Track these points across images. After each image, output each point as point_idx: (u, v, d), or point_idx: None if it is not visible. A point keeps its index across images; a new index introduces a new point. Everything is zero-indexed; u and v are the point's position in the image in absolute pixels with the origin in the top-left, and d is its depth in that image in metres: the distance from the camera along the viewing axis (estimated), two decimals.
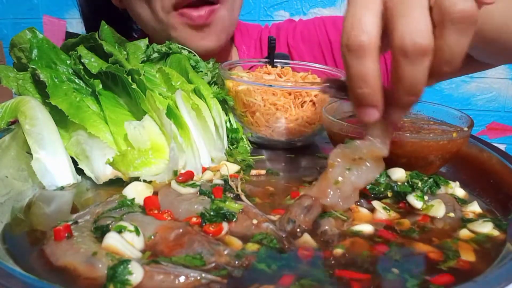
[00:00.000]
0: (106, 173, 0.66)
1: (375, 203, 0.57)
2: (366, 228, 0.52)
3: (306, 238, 0.50)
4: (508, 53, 0.81)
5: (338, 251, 0.47)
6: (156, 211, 0.53)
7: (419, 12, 0.44)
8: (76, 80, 0.74)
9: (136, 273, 0.40)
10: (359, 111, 0.50)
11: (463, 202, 0.59)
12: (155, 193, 0.59)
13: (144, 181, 0.62)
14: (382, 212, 0.55)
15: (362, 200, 0.58)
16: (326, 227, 0.51)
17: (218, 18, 0.98)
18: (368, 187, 0.59)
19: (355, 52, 0.46)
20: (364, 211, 0.56)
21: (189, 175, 0.62)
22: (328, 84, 0.59)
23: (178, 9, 0.94)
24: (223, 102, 0.81)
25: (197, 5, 0.94)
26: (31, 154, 0.64)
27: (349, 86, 0.49)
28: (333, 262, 0.46)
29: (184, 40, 0.96)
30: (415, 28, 0.44)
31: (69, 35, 1.04)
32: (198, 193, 0.58)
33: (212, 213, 0.52)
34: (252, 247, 0.48)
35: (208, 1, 0.95)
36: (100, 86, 0.72)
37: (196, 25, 0.95)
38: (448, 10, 0.44)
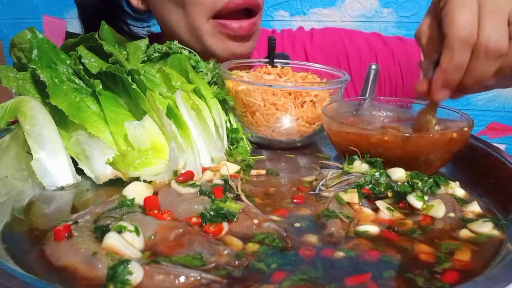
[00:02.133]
0: (106, 173, 0.65)
1: (379, 203, 0.57)
2: (372, 229, 0.52)
3: (309, 237, 0.50)
4: None
5: (342, 251, 0.47)
6: (156, 211, 0.53)
7: (504, 22, 0.55)
8: (76, 80, 0.74)
9: (136, 273, 0.40)
10: (439, 91, 0.61)
11: (463, 202, 0.59)
12: (155, 193, 0.59)
13: (144, 181, 0.62)
14: (386, 212, 0.55)
15: (364, 200, 0.58)
16: (333, 229, 0.51)
17: (256, 27, 1.01)
18: (368, 187, 0.59)
19: (464, 47, 0.56)
20: (367, 211, 0.56)
21: (189, 175, 0.62)
22: (424, 61, 0.67)
23: (217, 18, 0.95)
24: (223, 102, 0.81)
25: (236, 16, 0.96)
26: (31, 154, 0.64)
27: (447, 72, 0.59)
28: (335, 262, 0.46)
29: (220, 47, 0.99)
30: (500, 34, 0.54)
31: (69, 35, 1.03)
32: (198, 193, 0.58)
33: (212, 213, 0.52)
34: (252, 247, 0.48)
35: (247, 13, 0.97)
36: (100, 86, 0.72)
37: (237, 35, 0.97)
38: None
